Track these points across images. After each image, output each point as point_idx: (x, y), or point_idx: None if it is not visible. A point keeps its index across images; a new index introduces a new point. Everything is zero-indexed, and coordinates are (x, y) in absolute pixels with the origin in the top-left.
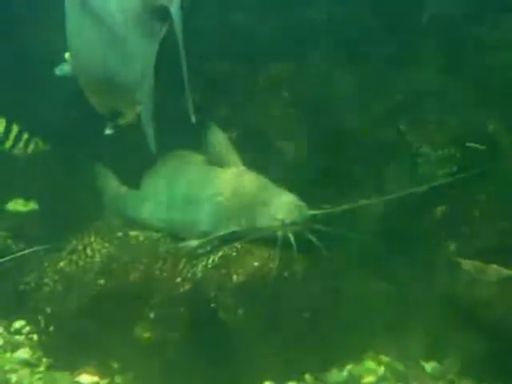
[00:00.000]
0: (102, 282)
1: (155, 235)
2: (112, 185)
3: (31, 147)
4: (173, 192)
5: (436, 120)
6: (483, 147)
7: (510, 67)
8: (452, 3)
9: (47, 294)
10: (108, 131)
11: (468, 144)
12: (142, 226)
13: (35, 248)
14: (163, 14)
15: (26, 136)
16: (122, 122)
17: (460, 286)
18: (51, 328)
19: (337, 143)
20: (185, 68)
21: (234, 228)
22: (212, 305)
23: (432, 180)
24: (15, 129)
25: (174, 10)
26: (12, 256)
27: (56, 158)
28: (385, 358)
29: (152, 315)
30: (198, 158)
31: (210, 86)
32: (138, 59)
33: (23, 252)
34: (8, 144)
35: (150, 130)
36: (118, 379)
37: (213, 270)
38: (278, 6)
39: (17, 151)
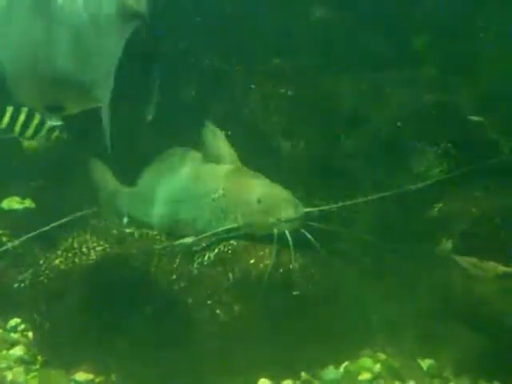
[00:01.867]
0: (97, 279)
1: (151, 232)
2: (109, 182)
3: (54, 136)
4: (169, 189)
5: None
6: (481, 119)
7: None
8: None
9: (43, 291)
10: (55, 122)
11: (469, 117)
12: (138, 223)
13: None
14: (132, 16)
15: (48, 125)
16: (64, 114)
17: (457, 282)
18: (46, 326)
19: (334, 140)
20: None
21: (230, 225)
22: (208, 302)
23: (429, 177)
24: (37, 118)
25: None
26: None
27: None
28: (381, 356)
29: (148, 312)
30: (194, 156)
31: (207, 83)
32: (101, 58)
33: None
34: (29, 133)
35: (107, 129)
36: (113, 377)
37: (209, 267)
38: (277, 2)
39: (38, 141)
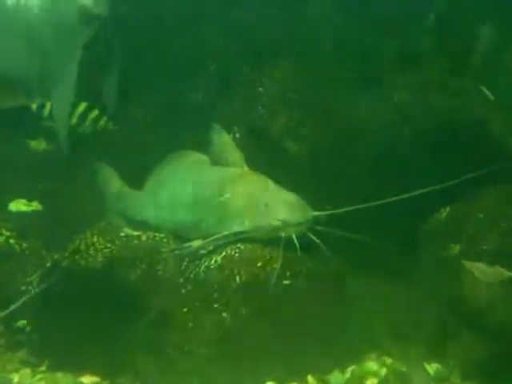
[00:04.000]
0: (104, 282)
1: (158, 235)
2: (115, 185)
3: (100, 124)
4: (176, 192)
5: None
6: (493, 98)
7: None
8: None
9: (49, 293)
10: None
11: (482, 89)
12: (144, 226)
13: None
14: (89, 19)
15: (95, 113)
16: None
17: (463, 287)
18: (53, 328)
19: (340, 143)
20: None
21: (237, 228)
22: (215, 305)
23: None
24: (82, 105)
25: (103, 16)
26: None
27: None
28: (387, 360)
29: (154, 315)
30: (201, 159)
31: (214, 86)
32: (47, 58)
33: None
34: (73, 121)
35: (62, 131)
36: (119, 379)
37: (216, 271)
38: (281, 3)
39: (84, 129)
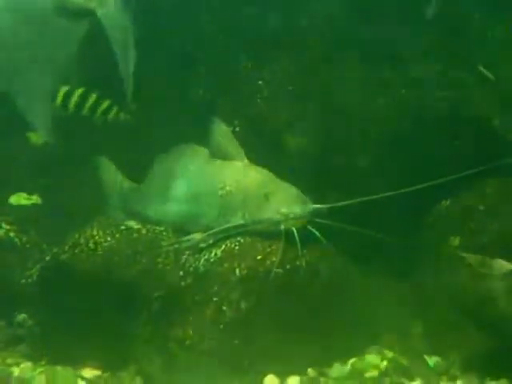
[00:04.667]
0: (104, 275)
1: (158, 229)
2: (116, 178)
3: (112, 115)
4: (176, 186)
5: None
6: (493, 77)
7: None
8: None
9: (49, 287)
10: None
11: (481, 69)
12: (145, 219)
13: None
14: (77, 15)
15: (106, 103)
16: None
17: (464, 280)
18: (53, 322)
19: (341, 137)
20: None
21: (237, 222)
22: (215, 298)
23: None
24: (93, 97)
25: (102, 13)
26: None
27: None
28: (388, 353)
29: (154, 309)
30: (201, 152)
31: (214, 80)
32: (10, 48)
33: None
34: (85, 111)
35: (39, 121)
36: (119, 373)
37: (215, 264)
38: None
39: (95, 119)
